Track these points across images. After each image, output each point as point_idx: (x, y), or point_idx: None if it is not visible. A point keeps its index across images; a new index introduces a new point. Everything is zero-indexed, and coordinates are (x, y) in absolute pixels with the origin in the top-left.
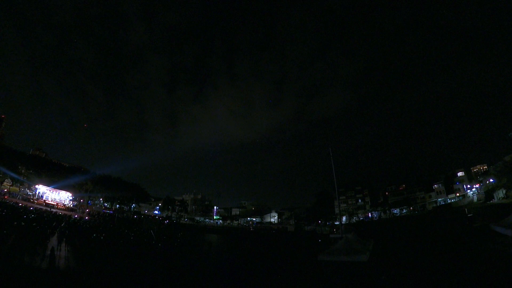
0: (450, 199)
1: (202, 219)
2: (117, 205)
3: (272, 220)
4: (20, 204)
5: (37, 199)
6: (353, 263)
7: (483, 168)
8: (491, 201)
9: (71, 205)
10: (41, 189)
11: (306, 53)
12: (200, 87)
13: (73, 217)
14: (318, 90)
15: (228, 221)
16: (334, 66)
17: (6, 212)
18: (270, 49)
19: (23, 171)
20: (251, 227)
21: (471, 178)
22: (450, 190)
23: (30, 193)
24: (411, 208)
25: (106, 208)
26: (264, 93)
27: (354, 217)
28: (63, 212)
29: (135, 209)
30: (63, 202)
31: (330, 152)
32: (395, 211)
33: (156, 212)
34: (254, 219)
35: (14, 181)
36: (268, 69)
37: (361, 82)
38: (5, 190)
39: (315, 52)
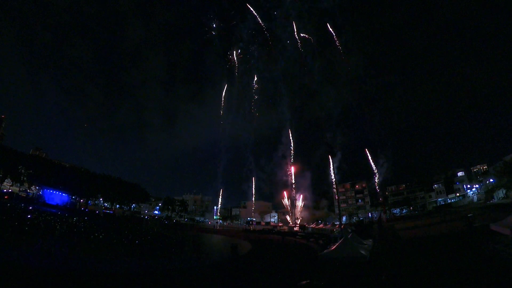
0: (450, 199)
1: (202, 219)
2: (117, 205)
3: (272, 220)
4: (22, 205)
5: (37, 199)
6: (353, 263)
7: (483, 168)
8: (491, 201)
9: (71, 205)
10: (41, 189)
11: (305, 50)
12: (199, 85)
13: (72, 218)
14: (318, 89)
15: (228, 221)
16: (334, 64)
17: (6, 213)
18: (269, 48)
19: (23, 171)
20: (251, 227)
21: (471, 178)
22: (450, 190)
23: (30, 193)
24: (411, 208)
25: (106, 208)
26: (264, 92)
27: (354, 217)
28: (63, 212)
29: (135, 209)
30: (63, 202)
31: (328, 148)
32: (395, 211)
33: (156, 212)
34: (254, 219)
35: (14, 181)
36: (268, 67)
37: (361, 81)
38: (5, 190)
39: (314, 49)
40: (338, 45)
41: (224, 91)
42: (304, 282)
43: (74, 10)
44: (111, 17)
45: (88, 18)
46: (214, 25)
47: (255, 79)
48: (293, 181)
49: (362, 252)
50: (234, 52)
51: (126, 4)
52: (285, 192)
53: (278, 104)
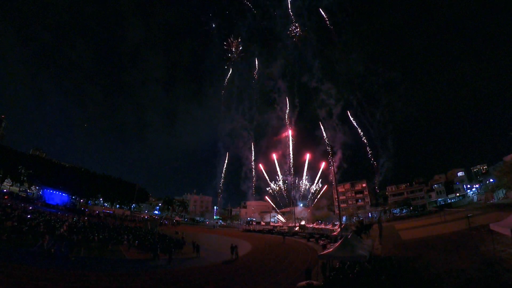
0: (450, 199)
1: (202, 219)
2: (117, 205)
3: (272, 220)
4: (22, 205)
5: (37, 199)
6: (353, 263)
7: (483, 168)
8: (491, 201)
9: (71, 205)
10: (41, 189)
11: (305, 48)
12: (199, 85)
13: (72, 218)
14: (318, 87)
15: (228, 221)
16: (333, 62)
17: (5, 213)
18: (269, 46)
19: (23, 171)
20: (251, 227)
21: (471, 178)
22: (450, 190)
23: (30, 193)
24: (411, 208)
25: (106, 208)
26: (264, 91)
27: (354, 217)
28: (63, 212)
29: (135, 209)
30: (63, 202)
31: (328, 148)
32: (395, 211)
33: (156, 212)
34: (254, 219)
35: (14, 181)
36: (267, 66)
37: (360, 79)
38: (5, 190)
39: (314, 48)
40: (334, 32)
41: (223, 90)
42: (304, 282)
43: (74, 10)
44: (111, 17)
45: (88, 18)
46: (213, 25)
47: (255, 77)
48: (292, 162)
49: (362, 252)
50: (234, 50)
51: (126, 4)
52: (274, 154)
53: (278, 102)
